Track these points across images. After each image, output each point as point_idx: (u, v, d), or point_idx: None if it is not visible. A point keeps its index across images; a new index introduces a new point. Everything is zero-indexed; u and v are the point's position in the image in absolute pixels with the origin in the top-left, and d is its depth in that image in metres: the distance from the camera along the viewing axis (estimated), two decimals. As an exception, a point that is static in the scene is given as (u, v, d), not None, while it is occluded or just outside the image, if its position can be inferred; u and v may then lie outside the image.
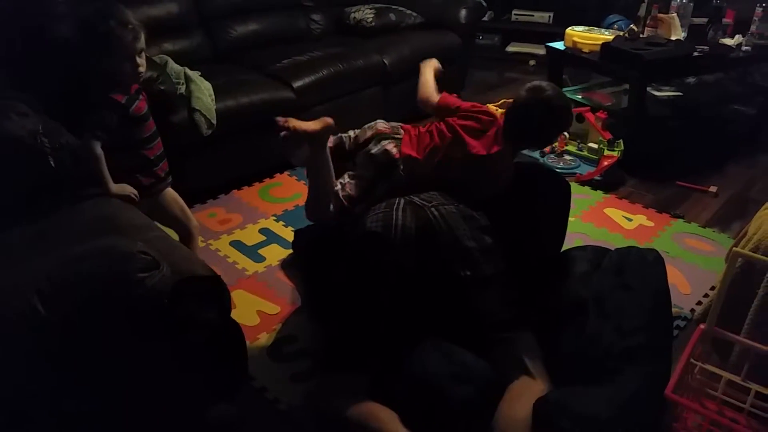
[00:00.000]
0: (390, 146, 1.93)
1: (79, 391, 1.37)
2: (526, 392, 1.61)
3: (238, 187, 3.10)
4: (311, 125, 1.85)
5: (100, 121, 1.94)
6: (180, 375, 1.61)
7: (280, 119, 1.88)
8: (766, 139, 3.58)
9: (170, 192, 2.23)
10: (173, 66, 2.80)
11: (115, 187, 1.96)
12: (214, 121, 2.75)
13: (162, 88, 2.56)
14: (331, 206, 1.95)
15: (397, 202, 1.84)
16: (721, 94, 3.61)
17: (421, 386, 1.63)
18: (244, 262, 2.55)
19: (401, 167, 1.95)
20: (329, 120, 1.87)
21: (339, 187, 1.94)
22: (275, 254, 2.60)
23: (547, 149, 3.36)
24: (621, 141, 3.15)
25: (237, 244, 2.66)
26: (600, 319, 1.77)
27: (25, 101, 2.28)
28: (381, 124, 2.02)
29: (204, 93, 2.74)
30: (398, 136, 1.98)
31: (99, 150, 1.94)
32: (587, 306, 1.82)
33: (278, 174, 3.23)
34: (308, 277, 2.27)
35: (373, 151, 1.94)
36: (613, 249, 2.07)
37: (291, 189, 3.10)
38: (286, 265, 2.54)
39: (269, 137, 3.01)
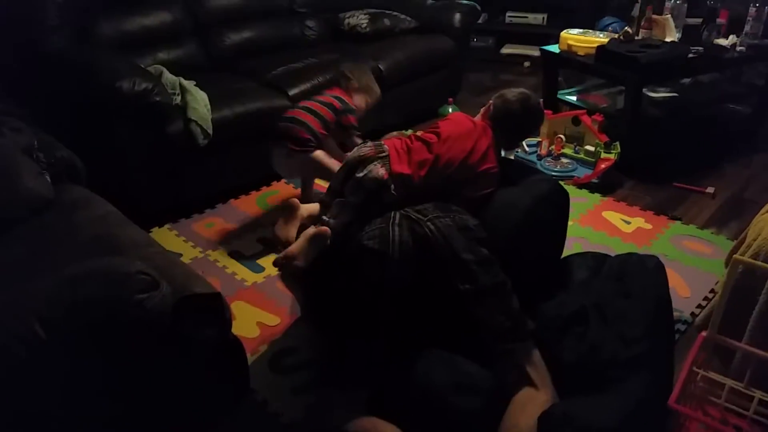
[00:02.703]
0: (377, 168, 1.90)
1: (80, 412, 1.37)
2: (530, 403, 1.61)
3: (235, 196, 3.09)
4: (303, 249, 1.86)
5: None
6: (181, 391, 1.61)
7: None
8: (762, 138, 3.59)
9: None
10: (168, 76, 2.79)
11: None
12: (211, 131, 2.74)
13: (157, 99, 2.54)
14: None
15: (392, 216, 1.83)
16: (717, 94, 3.61)
17: (425, 397, 1.62)
18: (243, 272, 2.54)
19: (392, 187, 1.93)
20: (323, 231, 1.86)
21: (326, 218, 1.93)
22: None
23: (543, 152, 3.36)
24: (618, 143, 3.15)
25: (235, 254, 2.64)
26: (601, 328, 1.76)
27: (19, 116, 2.27)
28: (364, 148, 1.98)
29: (199, 103, 2.72)
30: (384, 154, 1.95)
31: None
32: (588, 314, 1.82)
33: (275, 182, 3.22)
34: (307, 289, 2.26)
35: (359, 176, 1.90)
36: (612, 254, 2.07)
37: (288, 197, 3.09)
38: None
39: (265, 146, 3.04)
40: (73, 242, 1.76)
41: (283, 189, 3.17)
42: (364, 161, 1.93)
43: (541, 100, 3.66)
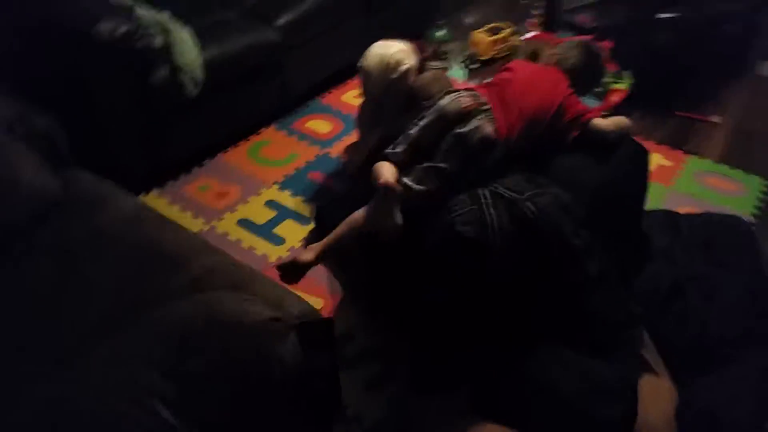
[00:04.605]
0: (485, 125, 1.60)
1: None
2: (657, 395, 1.52)
3: (222, 149, 2.69)
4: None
5: None
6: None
7: None
8: (754, 58, 3.55)
9: None
10: (141, 12, 2.27)
11: None
12: (201, 78, 2.31)
13: (142, 44, 2.10)
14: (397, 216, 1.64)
15: (482, 195, 1.57)
16: (711, 13, 3.48)
17: (555, 404, 1.47)
18: (262, 246, 2.24)
19: (498, 148, 1.65)
20: (393, 186, 1.59)
21: (409, 183, 1.63)
22: (293, 233, 2.30)
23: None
24: (629, 72, 3.00)
25: (246, 224, 2.33)
26: (702, 303, 1.68)
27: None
28: (463, 99, 1.65)
29: (186, 45, 2.27)
30: (486, 107, 1.64)
31: None
32: (685, 288, 1.73)
33: (263, 129, 2.84)
34: (363, 274, 1.99)
35: (462, 131, 1.60)
36: (678, 212, 1.97)
37: (283, 148, 2.73)
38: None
39: (254, 88, 2.64)
40: (116, 257, 1.41)
41: (273, 137, 2.80)
42: (467, 115, 1.62)
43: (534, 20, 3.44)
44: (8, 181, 1.44)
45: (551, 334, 1.59)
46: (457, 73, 3.28)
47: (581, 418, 1.45)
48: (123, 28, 2.02)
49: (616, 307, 1.58)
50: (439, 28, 3.39)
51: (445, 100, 1.68)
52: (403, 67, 2.20)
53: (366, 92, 2.37)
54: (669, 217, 1.97)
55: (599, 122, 1.83)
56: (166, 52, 2.22)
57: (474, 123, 1.60)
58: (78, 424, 0.95)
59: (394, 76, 2.21)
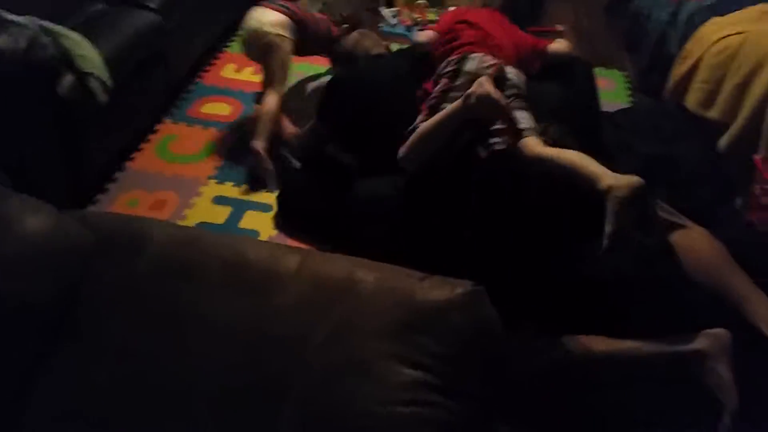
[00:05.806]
0: (517, 72, 1.79)
1: None
2: (695, 239, 1.67)
3: (126, 157, 2.36)
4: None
5: None
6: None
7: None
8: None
9: None
10: (19, 20, 1.83)
11: None
12: (110, 82, 1.99)
13: (44, 54, 1.74)
14: None
15: None
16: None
17: (625, 289, 1.62)
18: (239, 245, 2.07)
19: None
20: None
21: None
22: (262, 223, 2.15)
23: (408, 21, 3.26)
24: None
25: (211, 228, 2.11)
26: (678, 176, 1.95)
27: None
28: (486, 59, 1.75)
29: (85, 48, 1.93)
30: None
31: None
32: (655, 170, 1.99)
33: (158, 124, 2.54)
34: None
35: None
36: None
37: (193, 140, 2.48)
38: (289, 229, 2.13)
39: (143, 81, 2.33)
40: (212, 284, 1.19)
41: (175, 131, 2.52)
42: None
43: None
44: (48, 244, 1.16)
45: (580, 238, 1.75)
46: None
47: (652, 280, 1.58)
48: (23, 41, 1.66)
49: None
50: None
51: (472, 64, 1.75)
52: (274, 37, 2.30)
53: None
54: (606, 117, 2.22)
55: (554, 46, 2.01)
56: (66, 59, 1.87)
57: (511, 71, 1.75)
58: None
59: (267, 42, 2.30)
